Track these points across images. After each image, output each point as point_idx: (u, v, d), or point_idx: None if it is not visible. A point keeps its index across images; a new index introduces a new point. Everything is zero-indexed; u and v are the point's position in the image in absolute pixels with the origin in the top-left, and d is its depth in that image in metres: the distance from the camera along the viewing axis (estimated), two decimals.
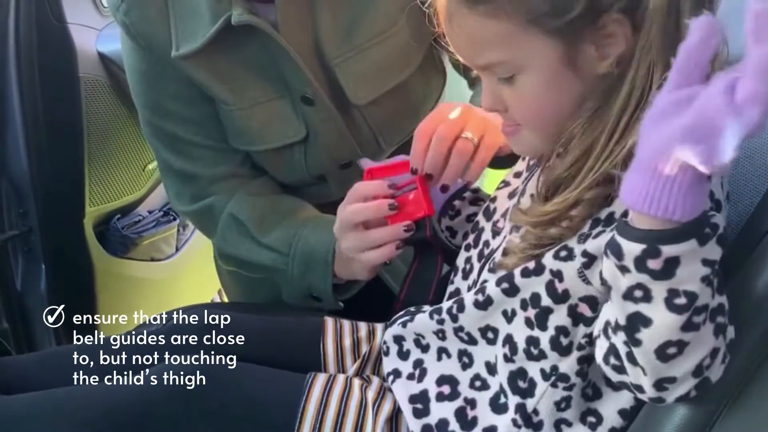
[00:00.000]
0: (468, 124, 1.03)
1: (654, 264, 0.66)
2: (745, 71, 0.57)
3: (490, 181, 1.40)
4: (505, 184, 1.03)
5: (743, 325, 0.74)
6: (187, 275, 1.90)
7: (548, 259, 0.83)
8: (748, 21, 0.56)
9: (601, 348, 0.76)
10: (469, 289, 0.97)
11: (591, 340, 0.82)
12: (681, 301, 0.66)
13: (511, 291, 0.86)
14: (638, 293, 0.68)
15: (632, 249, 0.66)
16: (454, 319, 0.93)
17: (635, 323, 0.69)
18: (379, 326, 1.12)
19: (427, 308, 1.00)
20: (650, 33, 0.76)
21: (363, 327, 1.13)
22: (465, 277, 1.01)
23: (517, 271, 0.85)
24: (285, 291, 1.24)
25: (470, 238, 1.03)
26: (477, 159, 1.04)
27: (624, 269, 0.68)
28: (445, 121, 1.04)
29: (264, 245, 1.22)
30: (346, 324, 1.13)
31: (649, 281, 0.67)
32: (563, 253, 0.81)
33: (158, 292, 1.83)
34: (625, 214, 0.69)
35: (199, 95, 1.22)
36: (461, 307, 0.92)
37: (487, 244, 0.99)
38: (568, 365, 0.85)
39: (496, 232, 0.97)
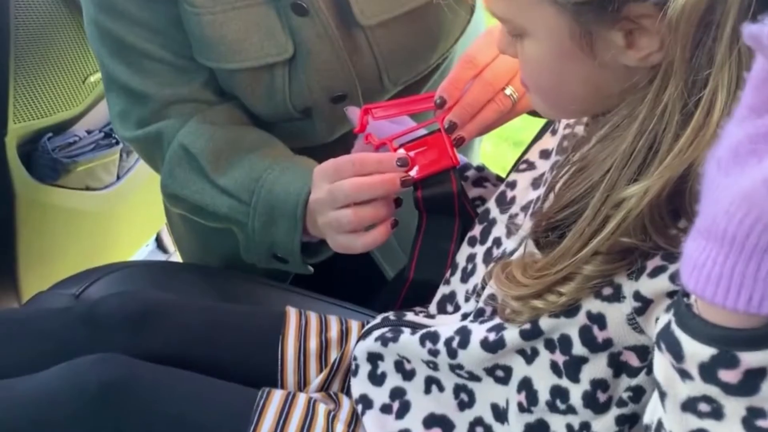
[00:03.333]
0: (518, 75, 0.83)
1: (729, 376, 0.47)
2: None
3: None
4: (528, 165, 0.82)
5: None
6: (127, 209, 1.67)
7: (585, 299, 0.64)
8: None
9: None
10: (468, 298, 0.79)
11: (636, 395, 0.66)
12: (766, 423, 0.48)
13: (533, 334, 0.68)
14: (704, 407, 0.49)
15: (697, 351, 0.48)
16: (453, 354, 0.74)
17: None
18: (354, 325, 0.91)
19: (418, 320, 0.80)
20: (674, 41, 0.56)
21: (334, 325, 0.92)
22: (464, 279, 0.81)
23: None
24: (243, 247, 1.03)
25: (476, 230, 0.83)
26: (500, 120, 0.89)
27: (684, 374, 0.49)
28: (497, 61, 0.86)
29: (219, 187, 1.00)
30: (313, 318, 0.92)
31: (721, 395, 0.48)
32: (607, 291, 0.63)
33: (92, 227, 1.61)
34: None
35: None
36: (464, 343, 0.73)
37: (498, 242, 0.79)
38: (603, 425, 0.67)
39: (511, 230, 0.77)
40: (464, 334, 0.73)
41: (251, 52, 0.99)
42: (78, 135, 1.54)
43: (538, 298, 0.65)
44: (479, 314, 0.75)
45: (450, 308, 0.83)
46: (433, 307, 0.85)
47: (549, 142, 0.82)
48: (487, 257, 0.80)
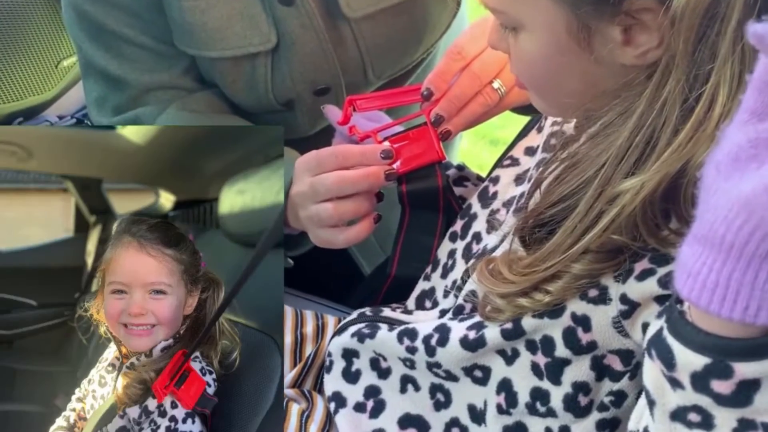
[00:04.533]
0: (506, 68, 0.83)
1: (722, 387, 0.46)
2: None
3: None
4: (512, 161, 0.82)
5: None
6: None
7: (570, 300, 0.63)
8: None
9: None
10: (447, 294, 0.78)
11: (618, 399, 0.66)
12: None
13: (515, 334, 0.67)
14: (694, 417, 0.48)
15: (690, 361, 0.47)
16: (431, 352, 0.72)
17: None
18: (330, 320, 0.91)
19: (395, 316, 0.79)
20: (677, 34, 0.55)
21: (310, 320, 0.91)
22: (444, 275, 0.81)
23: None
24: None
25: (457, 225, 0.82)
26: (487, 114, 0.86)
27: (675, 383, 0.48)
28: (486, 54, 0.83)
29: None
30: (289, 313, 0.91)
31: (712, 406, 0.47)
32: (593, 293, 0.62)
33: None
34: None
35: None
36: (443, 341, 0.71)
37: (478, 238, 0.78)
38: (583, 429, 0.67)
39: (493, 225, 0.77)
40: (443, 332, 0.72)
41: (233, 41, 0.97)
42: (49, 120, 1.51)
43: (524, 296, 0.63)
44: (458, 311, 0.74)
45: (428, 304, 0.81)
46: (411, 303, 0.83)
47: (535, 139, 0.81)
48: (467, 253, 0.79)
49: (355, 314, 0.83)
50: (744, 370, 0.45)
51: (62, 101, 1.52)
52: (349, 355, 0.79)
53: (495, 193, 0.80)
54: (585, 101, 0.65)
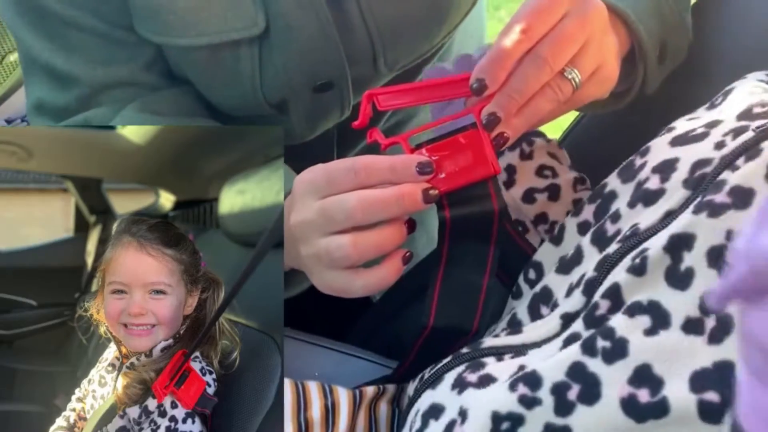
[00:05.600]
0: (588, 48, 0.64)
1: None
2: None
3: None
4: (667, 130, 0.65)
5: None
6: None
7: None
8: None
9: None
10: (570, 291, 0.59)
11: None
12: None
13: (722, 407, 0.45)
14: None
15: None
16: (564, 409, 0.50)
17: None
18: (343, 396, 0.67)
19: (501, 342, 0.60)
20: None
21: (316, 398, 0.66)
22: (565, 269, 0.62)
23: None
24: None
25: (586, 212, 0.65)
26: (555, 112, 0.67)
27: None
28: (557, 32, 0.63)
29: None
30: (288, 390, 0.67)
31: None
32: None
33: None
34: None
35: None
36: (590, 396, 0.49)
37: (615, 216, 0.60)
38: None
39: (646, 198, 0.59)
40: (586, 380, 0.49)
41: (210, 25, 0.79)
42: None
43: None
44: (591, 313, 0.54)
45: (545, 310, 0.62)
46: (523, 315, 0.64)
47: (702, 113, 0.67)
48: (599, 237, 0.60)
49: (449, 358, 0.62)
50: None
51: (11, 101, 1.38)
52: (431, 413, 0.57)
53: (643, 164, 0.61)
54: None
